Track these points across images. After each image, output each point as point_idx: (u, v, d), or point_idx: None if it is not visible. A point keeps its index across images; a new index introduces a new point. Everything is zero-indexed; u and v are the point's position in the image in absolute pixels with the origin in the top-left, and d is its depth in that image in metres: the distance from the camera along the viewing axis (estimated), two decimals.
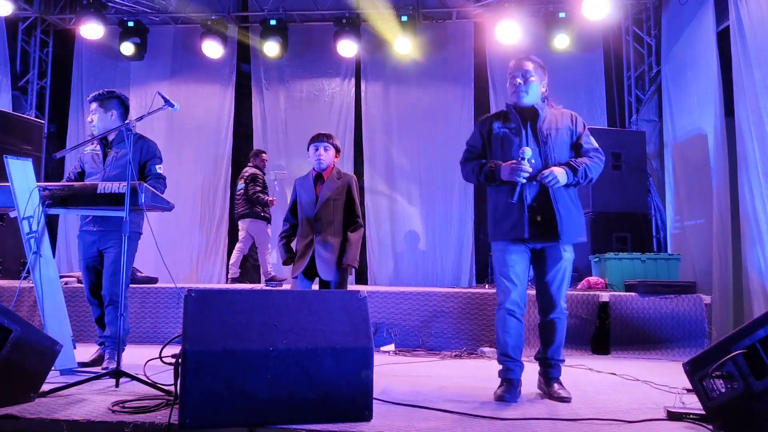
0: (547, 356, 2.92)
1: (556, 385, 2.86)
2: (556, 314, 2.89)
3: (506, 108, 3.03)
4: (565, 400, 2.76)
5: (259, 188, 6.48)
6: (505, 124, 2.96)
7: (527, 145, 2.84)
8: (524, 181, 2.76)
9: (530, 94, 2.94)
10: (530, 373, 3.00)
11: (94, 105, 3.68)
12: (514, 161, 2.80)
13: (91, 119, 3.71)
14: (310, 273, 3.51)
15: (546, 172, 2.78)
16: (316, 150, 3.56)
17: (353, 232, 3.54)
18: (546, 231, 2.82)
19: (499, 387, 2.87)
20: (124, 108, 3.72)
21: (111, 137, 3.64)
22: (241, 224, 6.57)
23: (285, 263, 3.62)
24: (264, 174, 6.65)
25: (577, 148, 2.95)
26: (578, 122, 2.99)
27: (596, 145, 2.97)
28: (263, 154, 6.77)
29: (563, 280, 2.88)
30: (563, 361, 2.96)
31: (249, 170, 6.57)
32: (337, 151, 3.65)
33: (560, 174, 2.77)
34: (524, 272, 2.89)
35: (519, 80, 2.94)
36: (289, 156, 7.86)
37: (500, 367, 2.91)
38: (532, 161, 2.80)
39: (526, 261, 2.90)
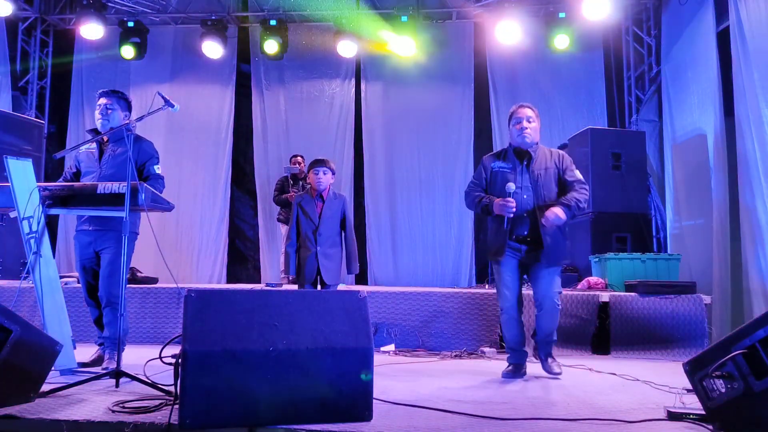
0: (541, 338, 3.58)
1: (549, 360, 3.56)
2: (550, 307, 3.49)
3: (507, 148, 3.64)
4: (556, 376, 3.49)
5: (276, 192, 6.68)
6: (504, 163, 3.57)
7: (521, 183, 3.47)
8: (511, 215, 3.37)
9: (532, 136, 3.53)
10: (529, 377, 3.19)
11: (108, 100, 3.63)
12: (502, 199, 3.39)
13: (104, 111, 3.62)
14: (314, 282, 4.11)
15: (549, 215, 3.33)
16: (317, 174, 4.14)
17: (349, 246, 4.15)
18: (530, 255, 3.49)
19: (506, 368, 3.58)
20: (130, 112, 3.76)
21: (108, 136, 3.61)
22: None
23: (289, 273, 4.12)
24: (292, 176, 6.68)
25: (562, 183, 3.53)
26: (564, 160, 3.57)
27: (579, 176, 3.56)
28: (295, 157, 6.78)
29: (552, 281, 3.50)
30: (555, 341, 3.62)
31: None
32: (333, 173, 4.24)
33: (560, 213, 3.34)
34: (516, 281, 3.55)
35: (525, 124, 3.51)
36: (289, 156, 7.85)
37: (508, 355, 3.64)
38: (524, 197, 3.43)
39: (517, 272, 3.55)
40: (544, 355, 3.60)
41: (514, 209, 3.36)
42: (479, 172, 3.66)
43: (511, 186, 3.38)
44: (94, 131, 3.65)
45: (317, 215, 4.09)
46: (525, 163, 3.51)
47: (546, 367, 3.56)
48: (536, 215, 3.41)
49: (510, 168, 3.52)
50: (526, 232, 3.45)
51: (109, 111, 3.62)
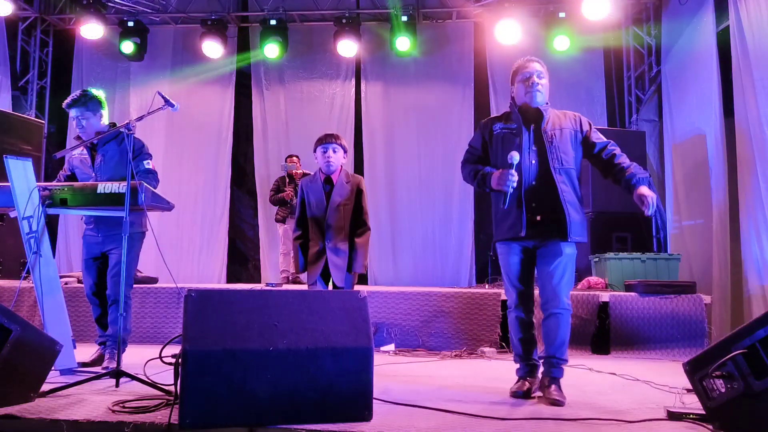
0: (549, 354, 2.86)
1: (553, 387, 2.79)
2: (558, 309, 2.84)
3: (509, 109, 3.04)
4: (557, 403, 2.70)
5: (272, 192, 6.73)
6: (507, 125, 2.98)
7: (528, 147, 2.88)
8: (511, 190, 2.78)
9: (543, 93, 2.95)
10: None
11: (77, 112, 3.54)
12: (502, 170, 2.82)
13: (80, 125, 3.55)
14: (325, 276, 3.49)
15: (649, 202, 2.72)
16: (325, 152, 3.47)
17: (360, 237, 3.46)
18: (546, 229, 2.85)
19: (515, 384, 2.96)
20: (104, 107, 3.67)
21: (96, 140, 3.56)
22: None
23: (299, 272, 3.60)
24: (288, 175, 6.68)
25: (589, 147, 2.99)
26: (582, 122, 3.02)
27: (605, 139, 3.03)
28: (290, 158, 6.81)
29: (564, 275, 2.86)
30: (566, 361, 2.88)
31: None
32: (345, 151, 3.55)
33: (649, 191, 2.77)
34: (527, 274, 2.95)
35: (535, 79, 2.93)
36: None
37: (517, 366, 3.02)
38: (532, 162, 2.86)
39: (527, 262, 2.94)
40: (548, 379, 2.84)
41: (515, 183, 2.78)
42: (476, 138, 3.08)
43: (515, 156, 2.77)
44: (79, 138, 3.64)
45: (325, 203, 3.44)
46: (533, 124, 2.93)
47: (546, 393, 2.78)
48: (549, 183, 2.83)
49: (515, 129, 2.94)
50: (535, 205, 2.85)
51: (84, 121, 3.57)
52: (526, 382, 2.92)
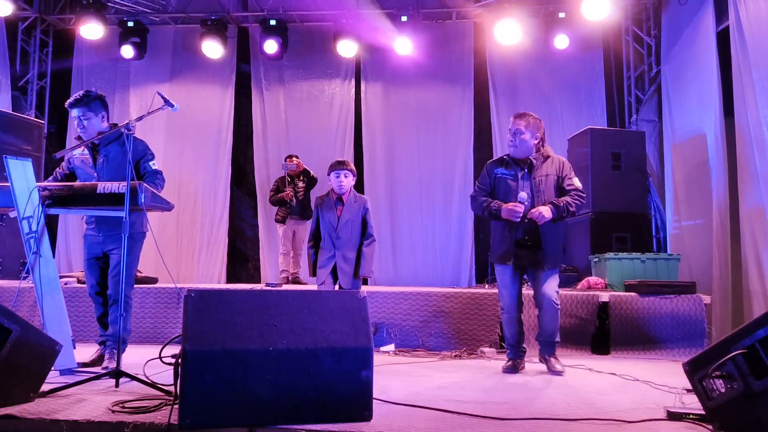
0: (543, 339, 3.74)
1: (552, 360, 3.69)
2: (548, 306, 3.67)
3: (507, 157, 3.78)
4: (559, 373, 3.59)
5: (272, 193, 6.72)
6: (507, 170, 3.74)
7: (523, 190, 3.63)
8: (518, 220, 3.56)
9: (520, 148, 3.68)
10: (529, 377, 3.39)
11: (79, 111, 3.51)
12: (511, 203, 3.58)
13: (81, 125, 3.53)
14: (334, 276, 4.17)
15: (534, 211, 3.52)
16: (338, 177, 4.15)
17: (367, 247, 4.16)
18: (531, 256, 3.66)
19: (506, 364, 3.74)
20: (107, 108, 3.66)
21: (97, 140, 3.55)
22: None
23: (312, 275, 4.24)
24: (288, 175, 6.66)
25: (560, 190, 3.69)
26: (564, 167, 3.73)
27: (577, 185, 3.70)
28: (289, 158, 6.78)
29: (550, 283, 3.67)
30: (558, 342, 3.75)
31: None
32: (354, 175, 4.24)
33: (545, 211, 3.51)
34: (515, 283, 3.76)
35: (510, 138, 3.70)
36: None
37: (507, 351, 3.82)
38: (526, 203, 3.60)
39: (517, 276, 3.76)
40: (547, 355, 3.75)
41: (521, 215, 3.54)
42: (483, 178, 3.82)
43: (524, 195, 3.58)
44: (80, 138, 3.63)
45: (336, 218, 4.13)
46: (526, 170, 3.69)
47: (549, 366, 3.70)
48: (535, 222, 3.57)
49: (512, 175, 3.71)
50: (527, 237, 3.63)
51: (85, 121, 3.54)
52: (516, 362, 3.73)
